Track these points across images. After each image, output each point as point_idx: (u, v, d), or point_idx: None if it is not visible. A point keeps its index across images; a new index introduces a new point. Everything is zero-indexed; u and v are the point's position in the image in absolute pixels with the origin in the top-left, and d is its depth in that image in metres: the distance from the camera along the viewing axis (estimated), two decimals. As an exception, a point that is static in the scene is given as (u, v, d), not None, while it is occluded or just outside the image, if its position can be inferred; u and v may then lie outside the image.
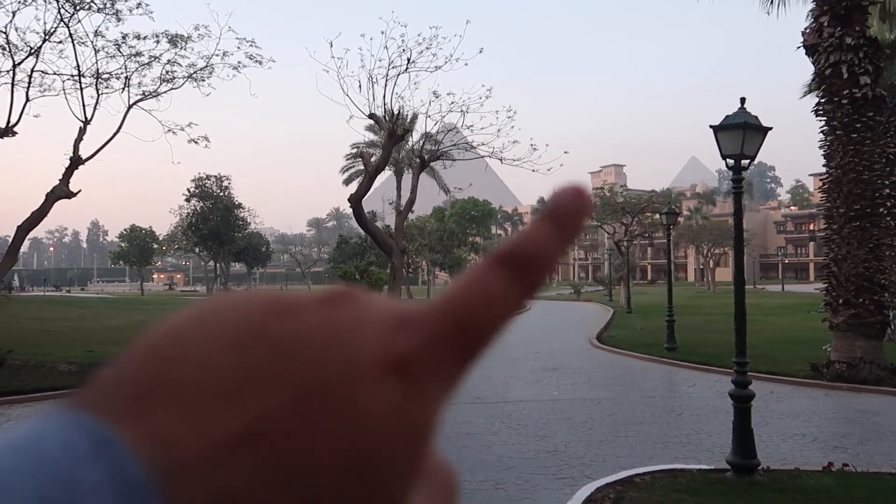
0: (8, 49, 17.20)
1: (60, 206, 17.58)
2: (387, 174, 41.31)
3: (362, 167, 25.25)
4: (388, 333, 0.25)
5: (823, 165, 14.52)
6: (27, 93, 17.43)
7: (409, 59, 19.83)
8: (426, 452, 0.25)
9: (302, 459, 0.22)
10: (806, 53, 14.73)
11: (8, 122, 17.00)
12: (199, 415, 0.22)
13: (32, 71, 17.57)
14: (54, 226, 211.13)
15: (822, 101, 14.35)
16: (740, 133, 7.95)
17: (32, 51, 17.49)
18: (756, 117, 8.08)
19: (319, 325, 0.24)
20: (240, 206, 62.14)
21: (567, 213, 0.27)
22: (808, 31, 14.63)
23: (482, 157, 22.49)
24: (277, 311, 0.25)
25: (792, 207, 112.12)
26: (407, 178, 29.69)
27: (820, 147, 14.48)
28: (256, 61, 20.38)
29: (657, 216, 38.95)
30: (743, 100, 8.34)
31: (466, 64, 21.18)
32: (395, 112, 20.46)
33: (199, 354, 0.23)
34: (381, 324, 0.25)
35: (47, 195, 17.21)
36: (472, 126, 21.46)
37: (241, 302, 0.25)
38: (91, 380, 0.24)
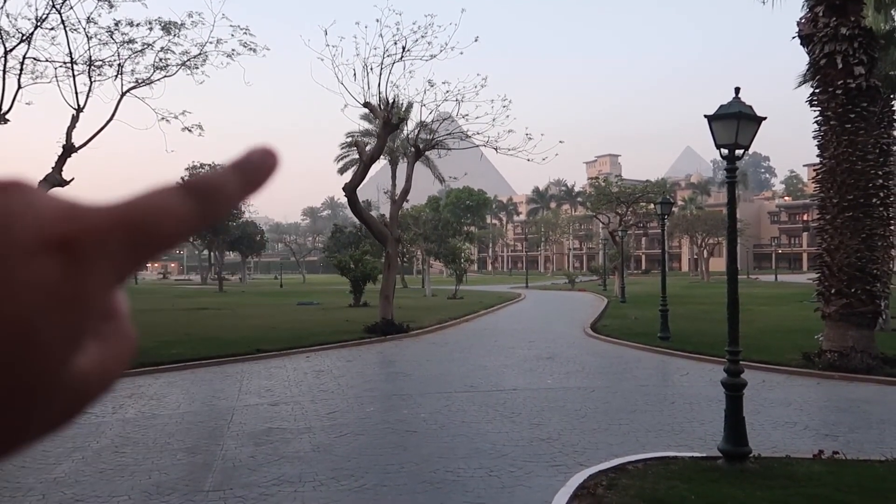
0: (0, 36, 17.05)
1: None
2: (382, 163, 41.20)
3: (357, 156, 25.19)
4: (53, 218, 0.27)
5: (817, 156, 14.55)
6: (19, 80, 17.30)
7: (403, 48, 19.76)
8: (91, 319, 0.28)
9: None
10: (801, 43, 14.72)
11: (0, 109, 16.88)
12: None
13: (24, 58, 17.44)
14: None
15: (817, 91, 14.36)
16: (734, 123, 7.96)
17: (24, 37, 17.35)
18: (750, 107, 8.09)
19: None
20: (234, 194, 61.73)
21: (254, 166, 0.32)
22: (803, 20, 14.62)
23: (477, 146, 22.45)
24: None
25: (786, 198, 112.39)
26: (402, 167, 29.64)
27: (814, 137, 14.50)
28: (250, 49, 20.25)
29: (652, 206, 39.02)
30: (737, 89, 8.34)
31: (462, 53, 21.14)
32: (390, 101, 20.39)
33: None
34: (49, 209, 0.27)
35: (40, 183, 17.10)
36: (467, 115, 21.38)
37: None
38: None
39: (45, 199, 0.28)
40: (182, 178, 0.31)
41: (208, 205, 0.30)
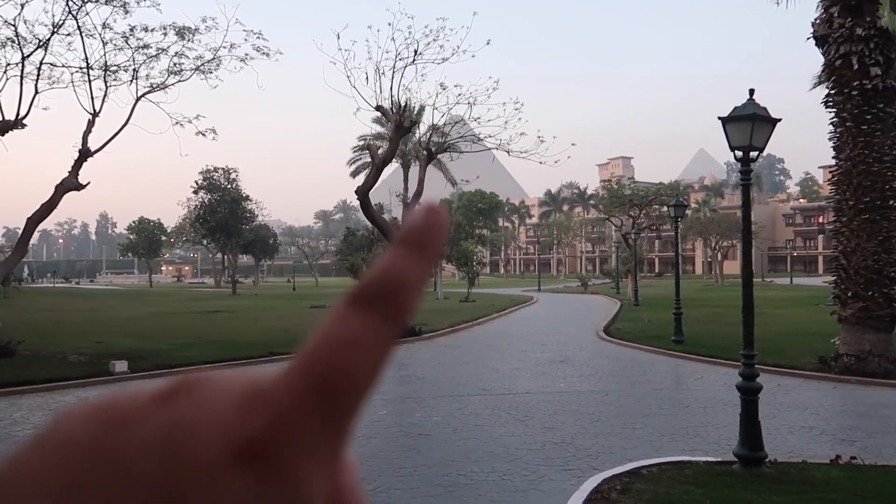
0: (17, 41, 17.27)
1: (69, 198, 17.67)
2: (394, 166, 41.28)
3: (369, 159, 25.27)
4: (232, 420, 0.23)
5: (833, 157, 14.43)
6: (36, 85, 17.50)
7: (416, 51, 19.79)
8: None
9: None
10: (816, 44, 14.61)
11: (17, 114, 17.08)
12: None
13: (41, 63, 17.64)
14: (63, 218, 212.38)
15: (832, 92, 14.24)
16: (749, 124, 7.90)
17: (41, 43, 17.55)
18: (765, 108, 8.04)
19: (154, 430, 0.22)
20: (247, 198, 62.23)
21: (421, 232, 0.26)
22: (817, 21, 14.51)
23: (489, 149, 22.45)
24: (105, 424, 0.23)
25: (801, 200, 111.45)
26: (414, 170, 29.71)
27: (829, 139, 14.38)
28: (264, 53, 20.36)
29: (665, 208, 38.81)
30: (752, 91, 8.28)
31: (474, 56, 21.16)
32: (402, 104, 20.43)
33: (24, 492, 0.21)
34: (226, 410, 0.23)
35: (56, 187, 17.30)
36: (479, 118, 21.37)
37: (67, 424, 0.23)
38: None
39: (219, 393, 0.24)
40: (349, 290, 0.25)
41: (393, 307, 0.25)
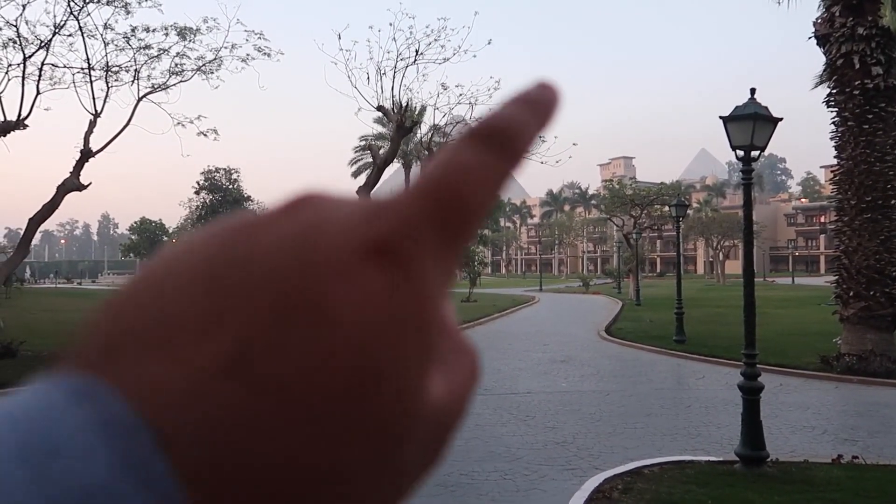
0: (18, 42, 17.29)
1: (71, 198, 17.69)
2: (395, 166, 41.27)
3: (371, 159, 25.28)
4: (359, 223, 0.23)
5: (835, 157, 14.42)
6: (38, 86, 17.52)
7: (417, 51, 19.80)
8: (433, 336, 0.23)
9: (295, 374, 0.21)
10: (817, 44, 14.61)
11: (19, 114, 17.11)
12: (178, 350, 0.21)
13: (43, 64, 17.66)
14: (65, 218, 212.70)
15: (834, 91, 14.24)
16: (750, 124, 7.91)
17: (43, 44, 17.57)
18: (766, 108, 8.04)
19: (286, 232, 0.23)
20: (249, 198, 62.25)
21: (539, 97, 0.27)
22: (819, 20, 14.51)
23: (490, 149, 22.42)
24: (239, 230, 0.24)
25: (802, 200, 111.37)
26: (415, 170, 29.65)
27: (831, 138, 14.38)
28: (265, 54, 20.37)
29: (666, 208, 38.80)
30: (753, 90, 8.29)
31: (475, 56, 21.16)
32: (404, 104, 20.44)
33: (168, 293, 0.22)
34: (352, 216, 0.24)
35: (58, 188, 17.33)
36: (480, 118, 21.39)
37: (202, 234, 0.24)
38: (67, 344, 0.23)
39: (344, 203, 0.25)
40: (467, 126, 0.26)
41: (507, 145, 0.25)
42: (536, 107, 0.27)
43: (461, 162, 0.24)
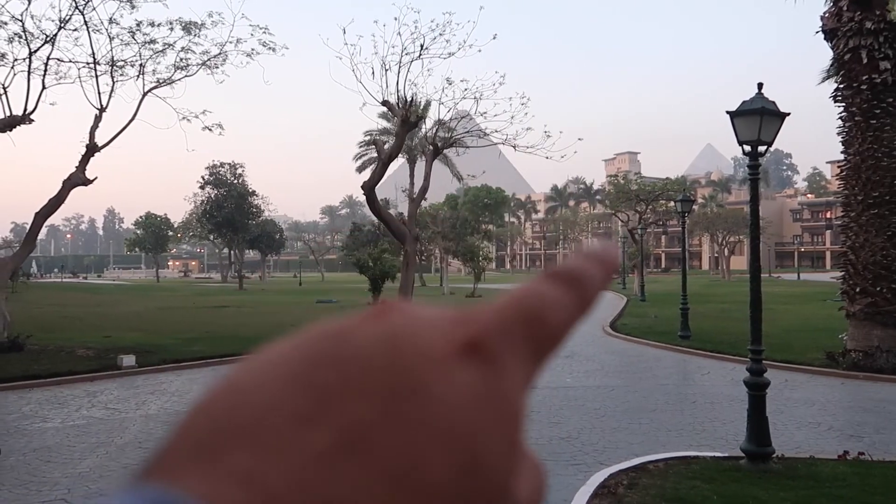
0: (24, 37, 17.31)
1: (77, 193, 17.74)
2: (400, 161, 41.22)
3: (375, 154, 25.24)
4: (450, 325, 0.25)
5: (842, 152, 14.34)
6: (43, 80, 17.54)
7: (422, 46, 19.74)
8: (521, 433, 0.25)
9: (402, 457, 0.21)
10: (825, 38, 14.51)
11: (25, 109, 17.14)
12: (278, 444, 0.21)
13: (48, 58, 17.68)
14: (71, 213, 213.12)
15: (841, 86, 14.15)
16: (757, 119, 7.86)
17: (48, 38, 17.59)
18: (773, 102, 7.99)
19: (379, 332, 0.24)
20: (254, 193, 62.30)
21: (605, 256, 0.30)
22: (826, 15, 14.41)
23: (495, 144, 22.40)
24: (327, 336, 0.24)
25: (808, 195, 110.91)
26: (420, 165, 29.68)
27: (838, 133, 14.29)
28: (270, 48, 20.38)
29: (671, 204, 38.67)
30: (760, 85, 8.23)
31: (480, 50, 21.06)
32: (409, 99, 20.40)
33: (264, 390, 0.22)
34: (441, 319, 0.25)
35: (64, 182, 17.37)
36: (485, 113, 21.32)
37: (285, 344, 0.25)
38: (153, 449, 0.22)
39: (428, 311, 0.26)
40: (544, 270, 0.30)
41: (582, 291, 0.28)
42: (603, 263, 0.30)
43: (542, 291, 0.27)
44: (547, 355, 0.26)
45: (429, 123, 25.06)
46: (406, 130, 21.14)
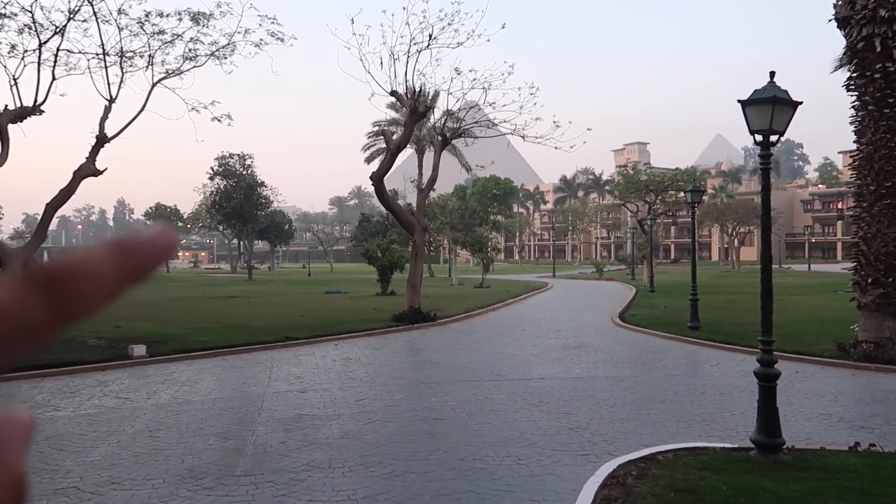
0: (34, 28, 17.34)
1: (87, 184, 17.83)
2: (408, 152, 41.09)
3: (384, 145, 25.20)
4: None
5: (854, 142, 14.19)
6: (53, 71, 17.57)
7: (430, 36, 19.66)
8: None
9: None
10: (838, 26, 14.33)
11: (35, 100, 17.19)
12: None
13: (58, 49, 17.71)
14: (81, 204, 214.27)
15: (854, 75, 13.98)
16: (769, 108, 7.77)
17: (58, 29, 17.61)
18: (786, 91, 7.90)
19: None
20: (263, 184, 62.40)
21: (144, 243, 0.25)
22: (839, 3, 14.22)
23: (504, 134, 22.31)
24: None
25: (820, 186, 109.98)
26: (428, 156, 29.61)
27: (851, 123, 14.14)
28: (278, 38, 20.32)
29: (681, 194, 38.44)
30: (773, 73, 8.14)
31: (489, 40, 20.96)
32: (417, 89, 20.33)
33: None
34: None
35: (74, 173, 17.44)
36: (493, 103, 21.27)
37: None
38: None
39: None
40: (34, 264, 0.25)
41: (64, 296, 0.24)
42: (132, 252, 0.26)
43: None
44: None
45: (437, 114, 24.98)
46: (414, 121, 21.09)
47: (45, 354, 13.89)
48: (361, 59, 21.80)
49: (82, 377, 12.69)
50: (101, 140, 17.77)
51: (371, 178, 20.14)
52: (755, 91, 7.98)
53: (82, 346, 15.24)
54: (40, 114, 17.39)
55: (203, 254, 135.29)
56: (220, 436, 8.65)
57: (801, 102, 7.95)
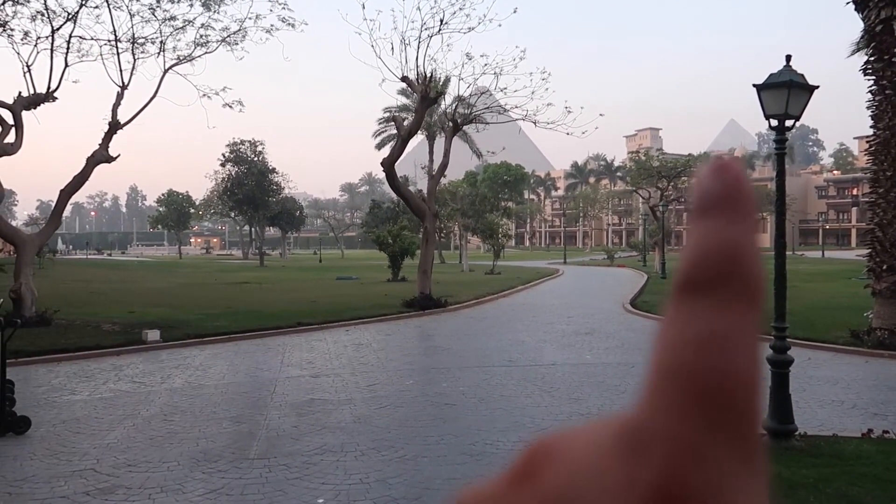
0: (46, 14, 17.41)
1: (100, 171, 17.95)
2: (419, 138, 41.10)
3: (395, 131, 25.16)
4: (621, 474, 0.18)
5: (871, 127, 14.01)
6: (66, 58, 17.67)
7: (441, 20, 19.55)
8: None
9: None
10: (855, 9, 14.11)
11: (48, 87, 17.29)
12: None
13: (70, 36, 17.79)
14: (95, 191, 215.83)
15: (872, 59, 13.78)
16: (785, 92, 7.68)
17: (70, 16, 17.67)
18: (802, 75, 7.80)
19: None
20: (274, 170, 62.59)
21: (722, 194, 0.20)
22: (858, -15, 13.99)
23: (515, 120, 22.21)
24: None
25: (835, 172, 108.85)
26: (439, 142, 29.54)
27: (868, 107, 13.96)
28: (289, 24, 20.33)
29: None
30: (788, 57, 8.04)
31: (500, 25, 20.84)
32: (428, 75, 20.25)
33: None
34: (604, 468, 0.19)
35: (88, 159, 17.56)
36: (505, 89, 21.11)
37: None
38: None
39: (579, 452, 0.21)
40: (678, 280, 0.20)
41: (732, 285, 0.19)
42: (730, 210, 0.20)
43: (696, 334, 0.18)
44: (751, 424, 0.19)
45: (448, 99, 24.89)
46: (425, 107, 21.02)
47: (60, 339, 14.06)
48: (372, 45, 21.73)
49: (98, 362, 12.84)
50: (114, 126, 17.86)
51: (382, 164, 20.12)
52: (771, 75, 7.89)
53: (97, 331, 15.41)
54: (53, 100, 17.50)
55: (215, 240, 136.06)
56: (233, 420, 8.74)
57: (817, 87, 7.86)
